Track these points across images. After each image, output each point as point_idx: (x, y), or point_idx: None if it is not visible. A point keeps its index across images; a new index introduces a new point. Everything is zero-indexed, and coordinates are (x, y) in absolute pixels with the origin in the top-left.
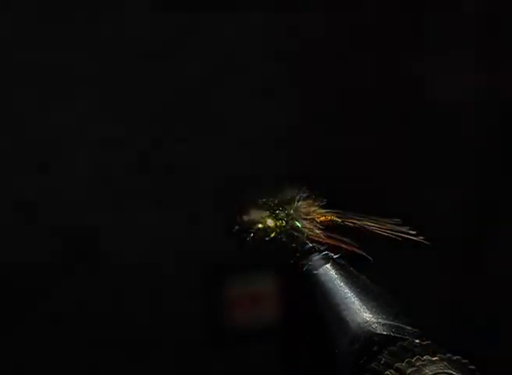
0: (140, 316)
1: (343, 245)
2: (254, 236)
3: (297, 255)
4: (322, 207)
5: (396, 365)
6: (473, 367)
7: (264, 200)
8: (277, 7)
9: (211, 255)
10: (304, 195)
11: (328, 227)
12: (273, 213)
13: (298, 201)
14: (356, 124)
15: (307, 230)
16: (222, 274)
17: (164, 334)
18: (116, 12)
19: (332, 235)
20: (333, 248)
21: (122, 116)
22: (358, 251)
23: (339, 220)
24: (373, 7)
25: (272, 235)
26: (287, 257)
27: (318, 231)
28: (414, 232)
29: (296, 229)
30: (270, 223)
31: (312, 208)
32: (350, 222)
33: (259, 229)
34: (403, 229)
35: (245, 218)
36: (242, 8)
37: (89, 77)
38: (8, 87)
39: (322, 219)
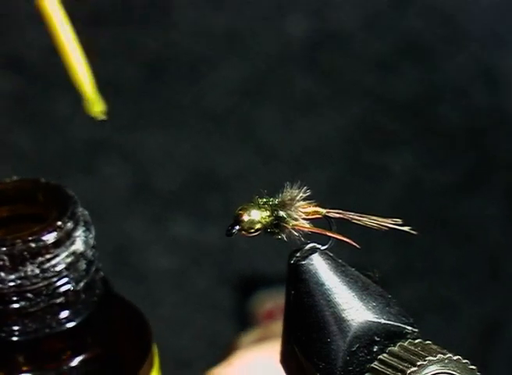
0: (170, 330)
1: (329, 234)
2: (240, 229)
3: (297, 255)
4: (306, 198)
5: (397, 365)
6: (473, 367)
7: (264, 200)
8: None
9: (244, 268)
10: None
11: (313, 218)
12: (258, 205)
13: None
14: (396, 138)
15: (291, 220)
16: (255, 287)
17: (194, 350)
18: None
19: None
20: (322, 241)
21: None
22: (346, 239)
23: (324, 211)
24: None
25: (258, 226)
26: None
27: (303, 221)
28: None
29: (281, 219)
30: (255, 214)
31: (296, 198)
32: (335, 212)
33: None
34: (391, 221)
35: (245, 218)
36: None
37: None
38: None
39: (307, 209)
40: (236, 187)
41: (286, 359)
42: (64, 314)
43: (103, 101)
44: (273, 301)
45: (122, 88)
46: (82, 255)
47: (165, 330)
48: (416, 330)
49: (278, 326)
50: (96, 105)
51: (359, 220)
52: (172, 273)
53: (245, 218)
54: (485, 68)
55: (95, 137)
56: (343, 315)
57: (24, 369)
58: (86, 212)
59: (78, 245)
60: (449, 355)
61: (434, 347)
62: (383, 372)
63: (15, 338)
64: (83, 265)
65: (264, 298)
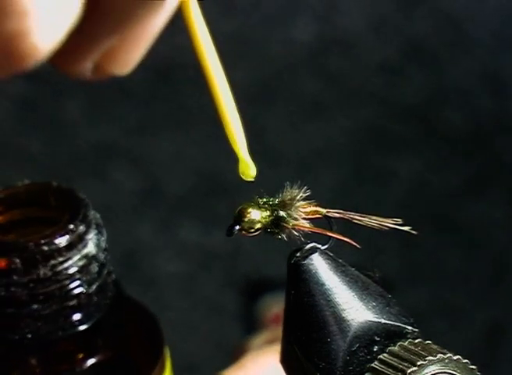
0: (178, 334)
1: (329, 234)
2: (240, 229)
3: (297, 254)
4: (306, 198)
5: (397, 365)
6: (474, 367)
7: (264, 199)
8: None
9: (251, 272)
10: (293, 190)
11: (313, 218)
12: (258, 204)
13: (283, 193)
14: (402, 141)
15: (292, 220)
16: (262, 291)
17: (201, 354)
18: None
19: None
20: (322, 241)
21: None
22: (346, 239)
23: (324, 211)
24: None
25: (258, 226)
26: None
27: (303, 221)
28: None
29: (282, 219)
30: (255, 214)
31: (296, 198)
32: (335, 212)
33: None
34: (391, 221)
35: (245, 218)
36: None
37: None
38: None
39: (307, 209)
40: (244, 192)
41: (286, 359)
42: (76, 317)
43: (254, 165)
44: (280, 305)
45: (131, 93)
46: (94, 257)
47: (173, 334)
48: (416, 329)
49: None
50: (247, 168)
51: (359, 220)
52: (180, 277)
53: (245, 218)
54: (491, 72)
55: (104, 142)
56: (343, 315)
57: (37, 371)
58: (97, 215)
59: (90, 248)
60: (450, 354)
61: (434, 347)
62: (383, 372)
63: (27, 341)
64: (95, 267)
65: (272, 302)
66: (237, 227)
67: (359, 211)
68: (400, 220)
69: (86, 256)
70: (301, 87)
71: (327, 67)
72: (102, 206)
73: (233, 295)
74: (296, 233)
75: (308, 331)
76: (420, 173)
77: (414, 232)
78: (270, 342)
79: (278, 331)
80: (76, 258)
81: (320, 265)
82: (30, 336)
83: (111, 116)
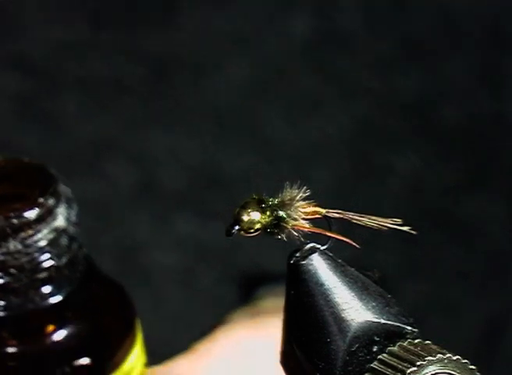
0: (175, 328)
1: (328, 234)
2: (239, 229)
3: (297, 255)
4: (306, 198)
5: (397, 365)
6: (473, 367)
7: (263, 199)
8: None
9: (248, 265)
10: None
11: (313, 218)
12: (258, 205)
13: (282, 193)
14: (402, 138)
15: (291, 220)
16: (259, 284)
17: None
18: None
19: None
20: (322, 241)
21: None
22: (345, 239)
23: (323, 211)
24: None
25: (257, 226)
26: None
27: (302, 221)
28: (401, 222)
29: (281, 219)
30: (255, 214)
31: (295, 198)
32: (335, 212)
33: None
34: (391, 221)
35: (245, 218)
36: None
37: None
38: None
39: (306, 209)
40: (241, 186)
41: (286, 359)
42: (47, 289)
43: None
44: (277, 297)
45: (128, 88)
46: (64, 231)
47: (170, 327)
48: (416, 330)
49: (267, 303)
50: None
51: (359, 220)
52: (177, 271)
53: (245, 218)
54: (488, 69)
55: (101, 137)
56: (343, 315)
57: (9, 343)
58: (68, 190)
59: (60, 221)
60: (449, 354)
61: (433, 347)
62: (383, 372)
63: None
64: (65, 241)
65: (268, 295)
66: (237, 227)
67: (357, 208)
68: (399, 220)
69: (56, 229)
70: (298, 82)
71: (324, 63)
72: (99, 201)
73: (230, 288)
74: (295, 234)
75: (308, 331)
76: (417, 169)
77: (413, 232)
78: (252, 316)
79: (258, 305)
80: (45, 231)
81: (319, 265)
82: (1, 309)
83: (107, 111)
